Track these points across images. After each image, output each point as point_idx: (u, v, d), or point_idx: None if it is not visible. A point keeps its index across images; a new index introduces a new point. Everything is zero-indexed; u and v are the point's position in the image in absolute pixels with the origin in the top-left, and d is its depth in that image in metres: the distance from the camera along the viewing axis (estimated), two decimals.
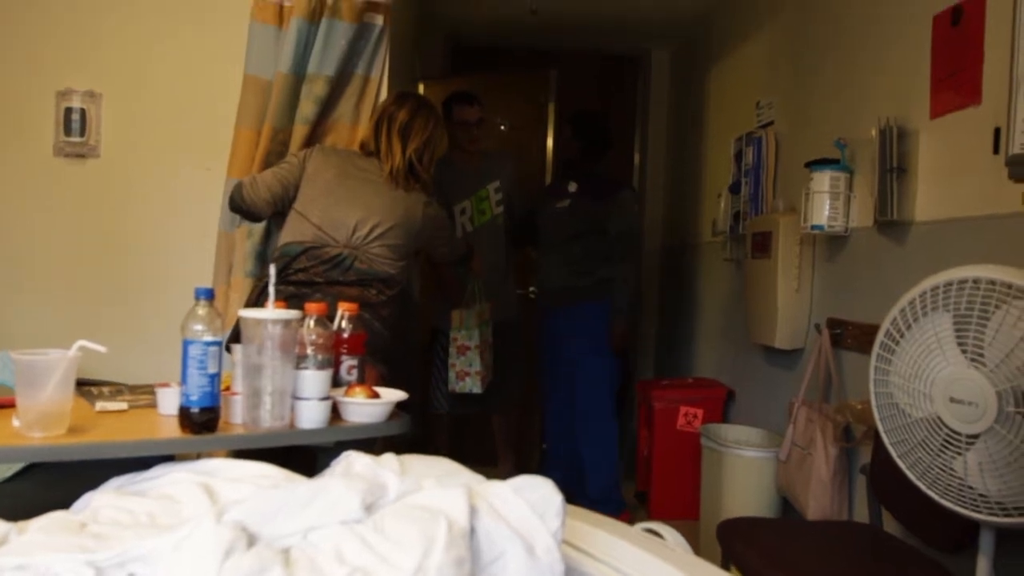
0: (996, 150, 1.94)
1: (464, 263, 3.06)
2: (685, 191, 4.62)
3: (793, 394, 2.82)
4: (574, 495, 3.68)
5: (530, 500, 1.11)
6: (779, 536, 2.15)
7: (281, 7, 2.46)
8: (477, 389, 3.36)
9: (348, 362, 1.74)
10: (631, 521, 3.70)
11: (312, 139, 2.48)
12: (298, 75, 2.43)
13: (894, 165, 2.29)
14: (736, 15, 3.93)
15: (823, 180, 2.58)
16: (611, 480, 3.62)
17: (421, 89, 4.60)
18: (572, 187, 3.70)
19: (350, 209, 2.28)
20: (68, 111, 2.65)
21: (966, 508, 1.57)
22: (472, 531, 1.06)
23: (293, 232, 2.28)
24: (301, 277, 2.22)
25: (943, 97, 2.18)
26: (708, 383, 3.84)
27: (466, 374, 3.37)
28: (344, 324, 1.76)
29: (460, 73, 5.06)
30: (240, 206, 2.34)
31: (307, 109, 2.44)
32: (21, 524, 1.13)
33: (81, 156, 2.66)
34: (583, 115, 3.77)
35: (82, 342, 1.45)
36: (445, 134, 2.51)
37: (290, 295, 2.12)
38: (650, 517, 3.69)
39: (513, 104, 3.94)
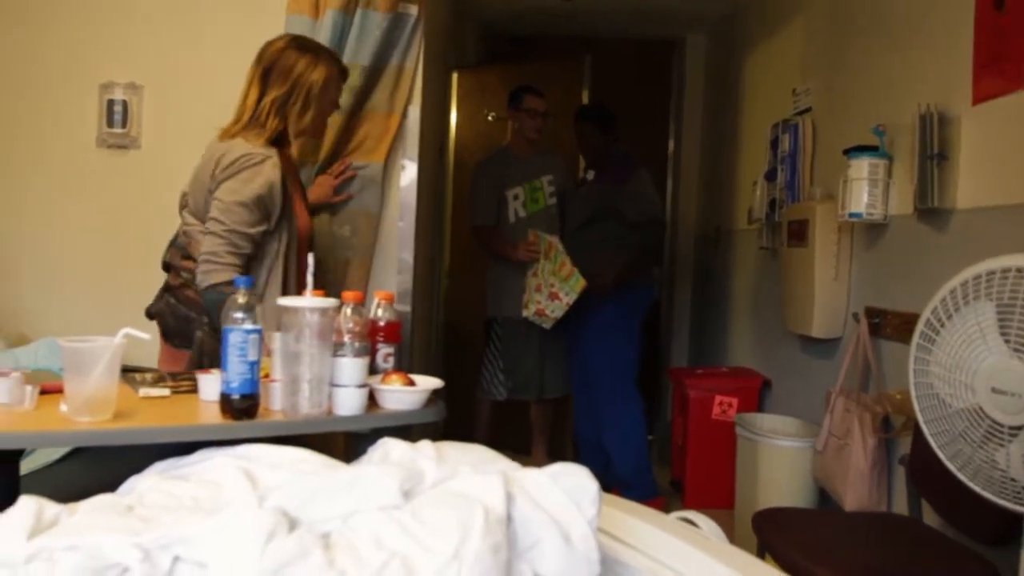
0: None
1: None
2: (720, 178, 4.58)
3: (830, 384, 2.79)
4: (604, 481, 3.70)
5: (566, 487, 1.11)
6: (816, 527, 2.14)
7: None
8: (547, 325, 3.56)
9: (384, 350, 1.76)
10: (665, 507, 3.71)
11: (347, 128, 2.50)
12: None
13: (935, 152, 2.25)
14: (772, 0, 3.88)
15: (862, 167, 2.54)
16: (639, 464, 3.62)
17: (455, 79, 4.61)
18: (590, 175, 3.79)
19: None
20: (110, 103, 2.70)
21: (1009, 501, 1.54)
22: (509, 518, 1.07)
23: None
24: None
25: (986, 83, 2.13)
26: (743, 372, 3.81)
27: (543, 313, 3.53)
28: (380, 312, 1.78)
29: (494, 62, 5.06)
30: None
31: (342, 99, 2.46)
32: (71, 506, 1.16)
33: (123, 147, 2.71)
34: (587, 106, 3.92)
35: (127, 329, 1.48)
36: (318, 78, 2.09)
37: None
38: (685, 505, 3.68)
39: (548, 92, 3.93)
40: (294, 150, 2.19)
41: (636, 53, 5.21)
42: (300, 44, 2.14)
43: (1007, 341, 1.52)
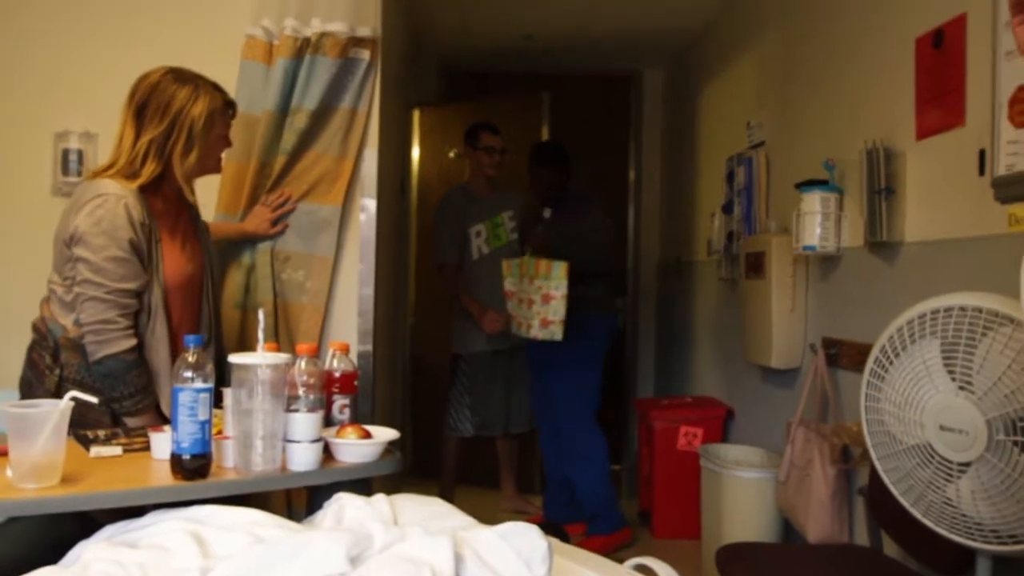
0: (982, 171, 1.95)
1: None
2: (680, 210, 4.63)
3: (791, 414, 2.82)
4: (571, 515, 3.71)
5: (516, 547, 1.11)
6: (778, 562, 2.15)
7: (271, 46, 2.48)
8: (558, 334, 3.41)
9: (340, 401, 1.75)
10: (632, 539, 3.68)
11: (290, 169, 2.50)
12: (282, 112, 2.46)
13: (882, 186, 2.30)
14: (725, 36, 3.96)
15: (813, 201, 2.59)
16: (606, 496, 3.62)
17: (416, 116, 4.64)
18: (547, 213, 3.83)
19: None
20: (65, 152, 2.67)
21: (961, 536, 1.57)
22: None
23: None
24: None
25: (928, 118, 2.19)
26: (708, 402, 3.84)
27: (549, 322, 3.39)
28: (335, 363, 1.77)
29: (455, 99, 5.09)
30: None
31: (288, 141, 2.46)
32: None
33: None
34: (540, 146, 3.90)
35: (74, 392, 1.46)
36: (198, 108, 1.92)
37: None
38: (653, 536, 3.68)
39: (508, 128, 3.97)
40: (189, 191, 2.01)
41: (594, 88, 5.28)
42: (178, 75, 1.93)
43: (953, 379, 1.55)
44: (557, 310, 3.37)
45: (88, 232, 1.81)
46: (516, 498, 4.06)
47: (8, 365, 2.53)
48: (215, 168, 2.07)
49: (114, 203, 1.83)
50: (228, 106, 2.02)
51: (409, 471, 4.43)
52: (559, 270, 3.37)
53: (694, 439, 3.58)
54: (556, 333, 3.39)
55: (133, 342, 1.84)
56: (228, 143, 2.07)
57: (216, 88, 1.99)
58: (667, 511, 3.65)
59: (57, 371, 1.88)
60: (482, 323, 3.69)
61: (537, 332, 3.42)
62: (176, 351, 1.91)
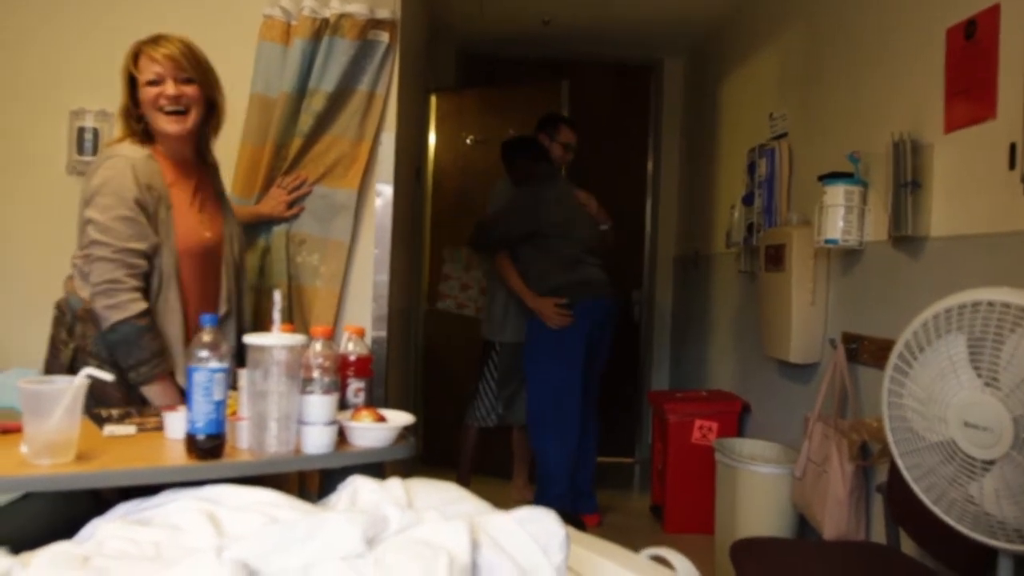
0: (1012, 166, 1.91)
1: None
2: (699, 201, 4.59)
3: (809, 409, 2.79)
4: (585, 504, 3.70)
5: (533, 533, 1.09)
6: (793, 557, 2.12)
7: (289, 26, 2.47)
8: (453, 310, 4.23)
9: (355, 384, 1.74)
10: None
11: (307, 152, 2.48)
12: (299, 93, 2.45)
13: (908, 179, 2.26)
14: (748, 25, 3.91)
15: (837, 194, 2.55)
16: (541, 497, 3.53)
17: (433, 101, 4.61)
18: None
19: None
20: (81, 130, 2.67)
21: (983, 535, 1.54)
22: (474, 566, 1.05)
23: None
24: None
25: (957, 111, 2.15)
26: (723, 396, 3.81)
27: (464, 304, 4.23)
28: (351, 346, 1.76)
29: (472, 84, 5.06)
30: None
31: (304, 123, 2.45)
32: (24, 557, 1.13)
33: None
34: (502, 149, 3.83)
35: (88, 370, 1.45)
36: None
37: None
38: (665, 531, 3.66)
39: (526, 115, 3.94)
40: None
41: (614, 76, 5.23)
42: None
43: (979, 375, 1.51)
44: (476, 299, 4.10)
45: (96, 192, 1.83)
46: (526, 489, 4.05)
47: (25, 344, 2.54)
48: (163, 123, 1.91)
49: (122, 164, 1.85)
50: (154, 48, 1.89)
51: (421, 459, 4.43)
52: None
53: (709, 433, 3.55)
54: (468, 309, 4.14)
55: (144, 306, 1.82)
56: (164, 98, 1.89)
57: (158, 39, 1.92)
58: (680, 506, 3.62)
59: (72, 344, 1.89)
60: (547, 316, 3.53)
61: (473, 312, 4.08)
62: (189, 322, 1.90)
